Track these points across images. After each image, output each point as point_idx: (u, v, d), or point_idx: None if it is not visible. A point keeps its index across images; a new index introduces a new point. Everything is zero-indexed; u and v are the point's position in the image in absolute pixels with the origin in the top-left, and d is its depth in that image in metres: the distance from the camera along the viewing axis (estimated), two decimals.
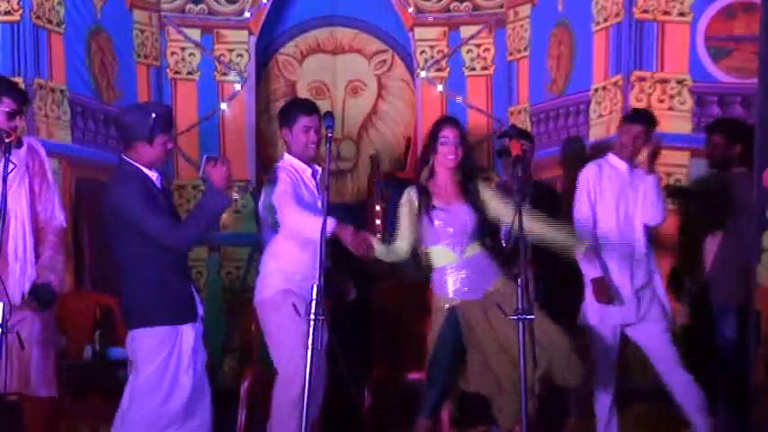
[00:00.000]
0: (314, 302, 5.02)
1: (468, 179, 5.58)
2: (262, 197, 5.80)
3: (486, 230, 5.64)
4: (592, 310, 6.12)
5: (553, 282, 6.69)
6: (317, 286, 5.03)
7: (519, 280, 4.87)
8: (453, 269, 5.56)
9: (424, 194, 5.60)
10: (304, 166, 5.77)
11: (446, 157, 5.55)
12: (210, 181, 5.09)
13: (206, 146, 8.20)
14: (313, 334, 5.01)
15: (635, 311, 6.05)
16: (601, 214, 6.14)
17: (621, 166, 6.16)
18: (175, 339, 5.06)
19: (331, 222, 5.30)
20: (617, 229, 6.09)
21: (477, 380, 5.49)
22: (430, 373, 5.57)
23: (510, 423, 5.45)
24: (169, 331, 5.04)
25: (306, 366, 5.15)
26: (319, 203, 5.68)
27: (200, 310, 5.20)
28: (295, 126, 5.76)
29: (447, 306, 5.55)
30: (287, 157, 5.82)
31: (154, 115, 5.03)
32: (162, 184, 5.19)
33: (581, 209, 6.17)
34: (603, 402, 6.10)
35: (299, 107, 5.91)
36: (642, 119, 6.19)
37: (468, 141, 5.75)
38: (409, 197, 5.66)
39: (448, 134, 5.57)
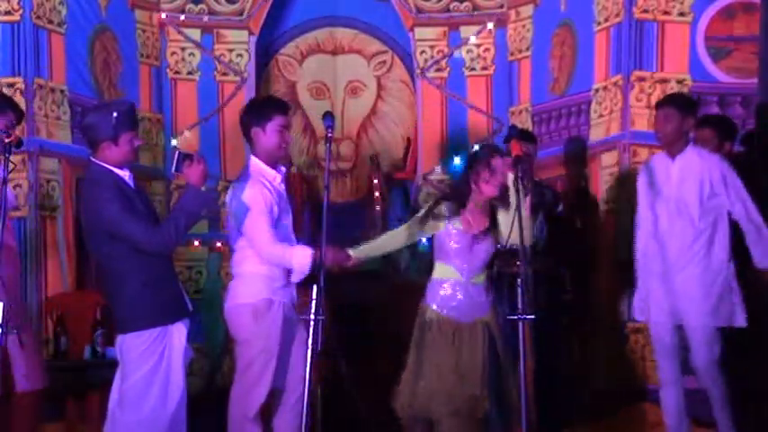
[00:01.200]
0: (314, 302, 5.02)
1: (495, 208, 5.55)
2: (229, 196, 5.53)
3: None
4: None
5: (555, 281, 6.71)
6: (317, 287, 5.02)
7: (519, 280, 4.88)
8: (452, 286, 5.55)
9: (455, 215, 5.52)
10: (273, 172, 5.49)
11: (493, 186, 5.47)
12: (188, 180, 5.03)
13: (206, 146, 8.21)
14: (313, 334, 5.01)
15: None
16: None
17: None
18: (165, 340, 4.98)
19: (308, 255, 5.27)
20: None
21: (424, 401, 5.45)
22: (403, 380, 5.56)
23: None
24: (159, 333, 4.97)
25: (267, 386, 5.25)
26: (289, 209, 5.59)
27: (189, 305, 5.14)
28: (269, 124, 5.48)
29: (432, 318, 5.53)
30: (255, 161, 5.51)
31: (115, 114, 4.94)
32: (135, 182, 5.08)
33: None
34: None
35: (275, 105, 5.65)
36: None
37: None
38: (440, 210, 5.57)
39: (499, 164, 5.47)
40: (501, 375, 5.45)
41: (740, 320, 5.84)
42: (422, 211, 5.66)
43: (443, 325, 5.49)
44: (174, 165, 5.07)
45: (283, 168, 5.63)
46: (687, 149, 5.90)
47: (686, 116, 5.90)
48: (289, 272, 5.48)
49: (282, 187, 5.55)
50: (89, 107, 5.06)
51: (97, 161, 5.00)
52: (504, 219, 5.47)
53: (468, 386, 5.39)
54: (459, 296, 5.52)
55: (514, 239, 5.14)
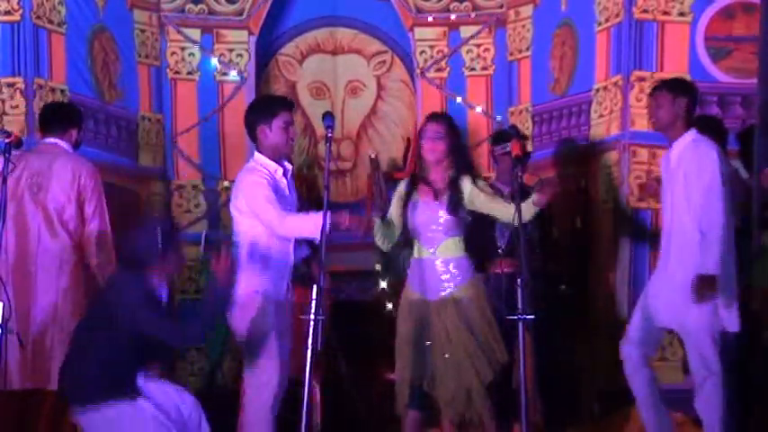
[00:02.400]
0: (314, 302, 5.02)
1: (456, 176, 5.58)
2: (234, 191, 5.64)
3: (467, 229, 5.64)
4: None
5: (557, 280, 6.73)
6: (317, 287, 5.03)
7: (519, 279, 4.88)
8: (422, 264, 5.61)
9: (410, 188, 5.68)
10: (275, 165, 5.60)
11: (426, 150, 5.60)
12: (216, 276, 5.10)
13: (206, 146, 8.21)
14: (313, 333, 5.01)
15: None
16: None
17: None
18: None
19: (319, 216, 5.28)
20: None
21: (418, 373, 5.53)
22: (396, 368, 5.60)
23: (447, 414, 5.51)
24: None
25: (279, 369, 5.29)
26: (294, 202, 5.68)
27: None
28: (275, 121, 5.57)
29: (409, 299, 5.62)
30: (258, 156, 5.62)
31: (160, 241, 4.99)
32: (168, 299, 5.22)
33: None
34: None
35: (279, 102, 5.75)
36: None
37: (459, 138, 5.73)
38: (399, 189, 5.77)
39: (429, 128, 5.62)
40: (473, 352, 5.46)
41: (733, 325, 5.66)
42: (393, 202, 5.77)
43: (413, 305, 5.57)
44: (203, 246, 5.13)
45: (289, 165, 5.71)
46: (685, 135, 5.69)
47: (677, 97, 5.68)
48: (285, 269, 5.55)
49: (284, 181, 5.64)
50: (133, 232, 5.09)
51: (136, 275, 5.00)
52: (492, 205, 5.53)
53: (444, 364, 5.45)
54: (428, 272, 5.58)
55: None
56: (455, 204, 5.54)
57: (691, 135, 5.69)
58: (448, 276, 5.56)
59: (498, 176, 6.88)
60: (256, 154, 5.66)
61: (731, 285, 5.62)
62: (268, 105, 5.73)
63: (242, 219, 5.57)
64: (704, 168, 5.55)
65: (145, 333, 4.95)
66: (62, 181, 5.95)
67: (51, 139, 6.09)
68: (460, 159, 5.65)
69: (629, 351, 5.80)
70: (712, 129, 6.28)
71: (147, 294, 5.01)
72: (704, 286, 5.49)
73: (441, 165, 5.60)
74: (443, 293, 5.55)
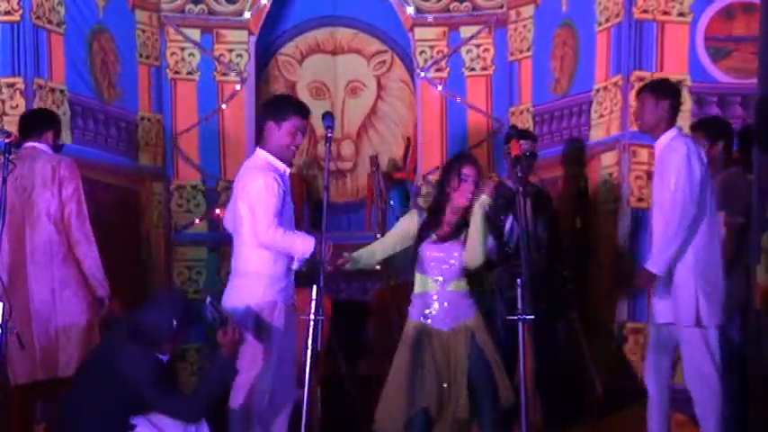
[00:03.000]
0: (314, 303, 5.02)
1: (468, 215, 5.57)
2: (240, 184, 5.59)
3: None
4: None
5: (559, 280, 6.72)
6: (317, 287, 5.03)
7: (519, 280, 4.88)
8: (429, 298, 5.60)
9: (427, 226, 5.62)
10: (283, 165, 5.57)
11: (463, 195, 5.55)
12: (222, 348, 5.10)
13: (206, 146, 8.21)
14: (313, 334, 5.01)
15: None
16: None
17: None
18: None
19: (310, 240, 5.35)
20: None
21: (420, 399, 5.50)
22: (388, 392, 5.57)
23: None
24: None
25: (268, 386, 5.32)
26: (291, 206, 5.66)
27: None
28: (285, 124, 5.53)
29: (413, 329, 5.58)
30: (263, 153, 5.58)
31: (176, 323, 4.97)
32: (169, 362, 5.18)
33: None
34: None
35: (296, 107, 5.69)
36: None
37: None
38: (412, 220, 5.71)
39: (468, 172, 5.56)
40: (491, 379, 5.48)
41: (706, 321, 5.66)
42: (398, 225, 5.79)
43: (423, 335, 5.54)
44: (209, 320, 5.15)
45: (288, 169, 5.68)
46: (663, 136, 5.73)
47: (660, 99, 5.72)
48: (288, 271, 5.52)
49: (288, 183, 5.62)
50: (149, 310, 5.10)
51: (145, 350, 4.99)
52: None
53: (452, 392, 5.46)
54: (436, 306, 5.59)
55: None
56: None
57: (670, 134, 5.74)
58: (461, 309, 5.57)
59: (509, 175, 6.89)
60: (260, 150, 5.62)
61: (714, 279, 5.65)
62: (284, 106, 5.69)
63: (249, 216, 5.52)
64: (672, 164, 5.60)
65: (149, 408, 4.94)
66: (44, 179, 6.09)
67: (30, 143, 6.20)
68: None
69: (648, 356, 5.91)
70: (719, 130, 6.31)
71: (154, 368, 4.97)
72: (642, 280, 5.65)
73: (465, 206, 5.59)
74: (458, 323, 5.55)
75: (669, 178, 5.60)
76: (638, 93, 5.93)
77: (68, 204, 6.11)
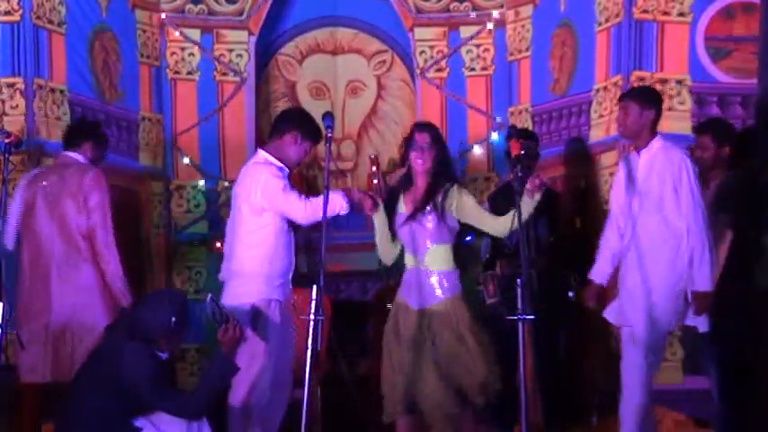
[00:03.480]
0: (314, 303, 5.02)
1: (439, 185, 5.56)
2: (244, 183, 5.66)
3: (457, 237, 5.61)
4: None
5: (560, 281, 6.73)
6: (317, 287, 5.03)
7: (519, 280, 4.88)
8: (411, 273, 5.55)
9: (393, 200, 5.63)
10: (280, 163, 5.67)
11: (414, 161, 5.56)
12: (221, 346, 5.10)
13: (206, 146, 8.21)
14: (313, 334, 5.01)
15: None
16: None
17: None
18: None
19: (340, 195, 5.42)
20: None
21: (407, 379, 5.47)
22: (383, 373, 5.55)
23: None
24: None
25: (267, 384, 5.35)
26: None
27: None
28: (301, 143, 5.68)
29: (397, 305, 5.57)
30: (266, 155, 5.66)
31: (174, 320, 4.98)
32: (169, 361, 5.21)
33: None
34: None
35: (316, 133, 5.75)
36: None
37: (445, 147, 5.66)
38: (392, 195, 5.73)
39: (416, 138, 5.57)
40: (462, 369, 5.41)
41: (702, 324, 5.71)
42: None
43: (400, 311, 5.52)
44: (209, 317, 5.16)
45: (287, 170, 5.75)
46: (652, 143, 5.72)
47: (645, 108, 5.70)
48: (284, 270, 5.52)
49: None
50: (141, 303, 5.17)
51: (146, 346, 5.00)
52: (480, 216, 5.52)
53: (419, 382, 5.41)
54: (413, 281, 5.52)
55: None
56: (441, 211, 5.49)
57: (659, 142, 5.74)
58: (436, 288, 5.51)
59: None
60: (262, 151, 5.67)
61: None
62: (314, 127, 5.75)
63: (253, 218, 5.56)
64: (681, 176, 5.61)
65: (148, 407, 4.94)
66: (71, 188, 6.13)
67: (67, 153, 6.30)
68: (446, 168, 5.61)
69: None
70: (724, 131, 6.29)
71: (154, 367, 4.97)
72: (701, 303, 5.58)
73: (427, 174, 5.57)
74: (430, 304, 5.51)
75: (680, 190, 5.59)
76: (621, 99, 5.90)
77: (93, 215, 6.14)
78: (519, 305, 4.85)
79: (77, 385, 5.07)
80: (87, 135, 6.36)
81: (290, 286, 5.69)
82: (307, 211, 5.49)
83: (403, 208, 5.57)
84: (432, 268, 5.48)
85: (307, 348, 5.02)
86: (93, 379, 5.00)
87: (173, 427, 4.97)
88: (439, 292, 5.46)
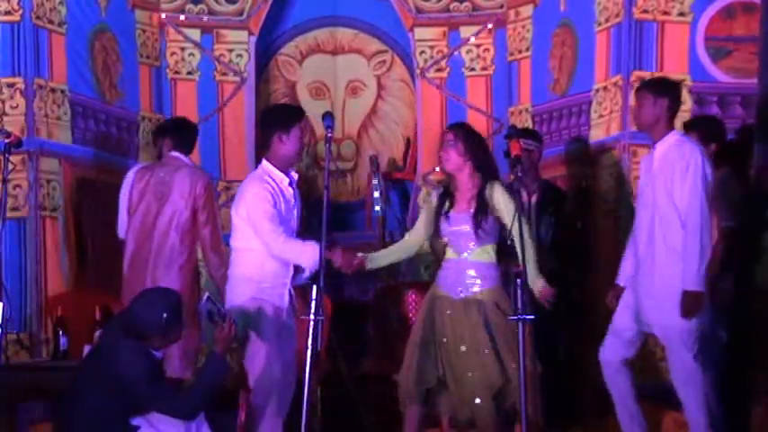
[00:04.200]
0: (313, 303, 5.02)
1: (484, 184, 5.58)
2: (237, 197, 5.69)
3: (499, 235, 5.62)
4: None
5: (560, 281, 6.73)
6: (317, 287, 5.03)
7: (518, 280, 4.88)
8: (451, 264, 5.63)
9: (444, 198, 5.68)
10: (281, 175, 5.62)
11: (440, 160, 5.64)
12: (215, 344, 5.11)
13: (206, 146, 8.21)
14: (313, 334, 5.01)
15: None
16: None
17: None
18: None
19: (316, 248, 5.29)
20: None
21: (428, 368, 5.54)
22: (406, 357, 5.60)
23: (448, 412, 5.61)
24: None
25: (279, 375, 5.33)
26: (295, 212, 5.70)
27: None
28: (292, 132, 5.61)
29: (434, 295, 5.65)
30: (266, 165, 5.64)
31: (165, 315, 4.97)
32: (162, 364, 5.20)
33: None
34: None
35: (297, 114, 5.78)
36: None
37: (478, 144, 5.65)
38: (430, 197, 5.84)
39: (443, 138, 5.65)
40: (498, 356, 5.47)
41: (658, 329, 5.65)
42: (419, 219, 5.83)
43: (438, 302, 5.59)
44: (206, 315, 5.16)
45: (295, 175, 5.74)
46: (668, 136, 5.63)
47: (659, 97, 5.62)
48: (279, 274, 5.54)
49: (290, 191, 5.66)
50: (140, 302, 5.15)
51: (140, 345, 5.01)
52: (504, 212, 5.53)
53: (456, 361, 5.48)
54: (452, 273, 5.62)
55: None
56: (480, 214, 5.54)
57: (674, 136, 5.65)
58: (475, 279, 5.58)
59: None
60: (264, 162, 5.66)
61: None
62: (287, 115, 5.76)
63: (243, 225, 5.59)
64: (688, 170, 5.50)
65: (145, 406, 4.95)
66: (181, 191, 6.47)
67: (175, 153, 6.67)
68: (483, 165, 5.61)
69: (614, 352, 5.80)
70: (711, 129, 6.28)
71: (148, 366, 4.96)
72: (691, 303, 5.48)
73: (462, 173, 5.59)
74: (468, 294, 5.56)
75: (685, 181, 5.50)
76: (637, 91, 5.87)
77: (204, 228, 6.52)
78: (519, 305, 4.85)
79: (75, 384, 5.07)
80: (194, 138, 6.88)
81: (288, 291, 5.65)
82: (277, 248, 5.47)
83: (449, 208, 5.64)
84: (474, 260, 5.58)
85: (307, 348, 5.03)
86: (90, 377, 5.00)
87: (171, 427, 4.98)
88: (480, 282, 5.57)
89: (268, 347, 5.47)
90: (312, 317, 5.02)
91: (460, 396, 5.50)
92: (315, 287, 5.03)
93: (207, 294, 5.21)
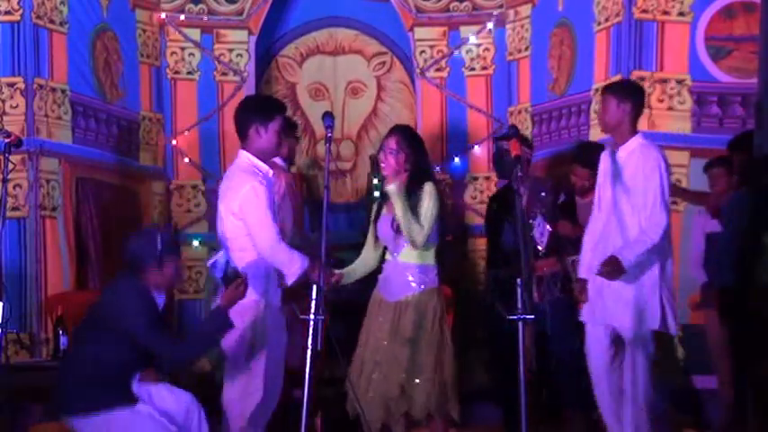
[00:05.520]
0: (314, 302, 5.01)
1: (411, 185, 5.58)
2: (224, 192, 5.54)
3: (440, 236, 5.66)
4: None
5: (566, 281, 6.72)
6: (317, 286, 5.02)
7: (518, 280, 4.87)
8: (387, 266, 5.70)
9: (381, 203, 5.76)
10: (266, 167, 5.51)
11: (386, 164, 5.63)
12: (223, 299, 5.12)
13: (206, 146, 8.21)
14: (313, 334, 5.00)
15: None
16: None
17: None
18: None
19: (304, 261, 5.32)
20: None
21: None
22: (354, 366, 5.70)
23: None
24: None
25: (263, 379, 5.31)
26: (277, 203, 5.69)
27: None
28: (272, 124, 5.46)
29: (372, 299, 5.72)
30: (248, 157, 5.48)
31: (159, 241, 5.04)
32: (164, 308, 5.22)
33: None
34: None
35: (279, 106, 5.67)
36: None
37: (416, 148, 5.67)
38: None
39: (385, 143, 5.66)
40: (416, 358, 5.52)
41: (672, 328, 5.60)
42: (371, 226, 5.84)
43: (372, 303, 5.69)
44: (222, 275, 5.24)
45: (271, 171, 5.64)
46: (631, 141, 5.63)
47: (621, 101, 5.60)
48: (271, 272, 5.52)
49: (272, 183, 5.60)
50: (133, 235, 5.24)
51: (140, 284, 5.07)
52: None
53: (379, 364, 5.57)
54: (386, 275, 5.68)
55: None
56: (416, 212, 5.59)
57: (638, 140, 5.65)
58: (406, 281, 5.61)
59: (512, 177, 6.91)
60: (243, 153, 5.50)
61: (671, 287, 5.62)
62: (266, 107, 5.63)
63: (236, 221, 5.47)
64: (653, 173, 5.51)
65: (137, 341, 4.97)
66: (281, 193, 6.45)
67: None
68: (417, 170, 5.63)
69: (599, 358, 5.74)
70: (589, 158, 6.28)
71: (143, 300, 5.01)
72: (613, 269, 5.45)
73: (398, 177, 5.60)
74: (399, 297, 5.59)
75: (646, 186, 5.52)
76: (602, 93, 5.83)
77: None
78: (519, 305, 4.84)
79: (77, 333, 5.17)
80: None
81: (280, 289, 5.61)
82: (268, 249, 5.38)
83: (385, 210, 5.70)
84: (405, 261, 5.62)
85: (307, 348, 5.02)
86: (92, 322, 5.08)
87: (171, 404, 5.02)
88: (412, 284, 5.59)
89: (259, 348, 5.43)
90: (312, 317, 5.01)
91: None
92: (315, 287, 5.02)
93: (221, 252, 5.21)
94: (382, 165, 5.63)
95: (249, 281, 5.33)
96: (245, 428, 5.41)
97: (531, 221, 6.60)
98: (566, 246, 6.57)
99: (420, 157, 5.69)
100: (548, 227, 6.63)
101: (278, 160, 6.43)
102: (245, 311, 5.40)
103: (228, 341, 5.38)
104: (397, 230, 5.58)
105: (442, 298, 5.66)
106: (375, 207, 5.81)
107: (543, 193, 6.68)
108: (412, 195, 5.55)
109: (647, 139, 5.73)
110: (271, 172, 5.55)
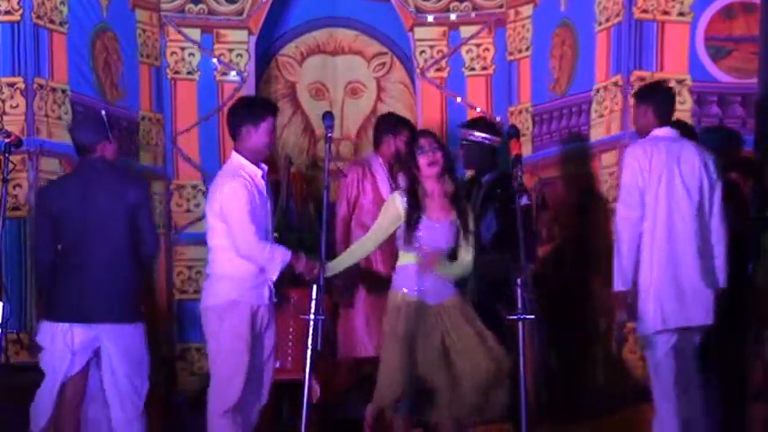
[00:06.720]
0: (314, 302, 5.02)
1: (457, 190, 5.61)
2: (211, 192, 5.66)
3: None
4: None
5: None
6: (317, 286, 5.03)
7: (518, 280, 4.88)
8: (417, 271, 5.65)
9: (414, 205, 5.66)
10: (254, 168, 5.57)
11: (426, 164, 5.63)
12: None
13: (206, 146, 8.21)
14: (312, 334, 5.01)
15: None
16: None
17: None
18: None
19: (286, 256, 5.38)
20: None
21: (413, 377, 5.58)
22: (385, 368, 5.62)
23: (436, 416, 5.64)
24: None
25: (241, 381, 5.35)
26: (268, 205, 5.67)
27: None
28: (263, 125, 5.54)
29: (404, 302, 5.63)
30: (238, 159, 5.57)
31: (104, 112, 5.53)
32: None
33: None
34: None
35: (269, 107, 5.72)
36: None
37: (449, 152, 5.76)
38: (395, 204, 5.73)
39: (424, 142, 5.67)
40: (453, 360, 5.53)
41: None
42: (380, 218, 5.81)
43: (416, 307, 5.60)
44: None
45: (265, 167, 5.68)
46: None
47: (643, 105, 5.89)
48: (257, 273, 5.52)
49: (262, 183, 5.61)
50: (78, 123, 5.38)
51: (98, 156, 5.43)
52: None
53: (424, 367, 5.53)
54: (425, 281, 5.62)
55: None
56: (465, 220, 5.59)
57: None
58: (446, 285, 5.64)
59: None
60: (234, 154, 5.60)
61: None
62: (258, 108, 5.69)
63: (217, 223, 5.53)
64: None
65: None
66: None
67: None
68: (455, 173, 5.69)
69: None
70: (748, 168, 6.32)
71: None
72: (614, 303, 5.78)
73: (441, 178, 5.60)
74: (443, 299, 5.57)
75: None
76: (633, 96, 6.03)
77: None
78: (519, 305, 4.85)
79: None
80: None
81: (268, 289, 5.62)
82: (245, 249, 5.44)
83: (421, 215, 5.65)
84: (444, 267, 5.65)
85: (307, 348, 5.03)
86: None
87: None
88: (452, 288, 5.65)
89: (233, 357, 5.44)
90: (312, 317, 5.01)
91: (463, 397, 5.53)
92: (315, 287, 5.03)
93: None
94: (427, 164, 5.61)
95: (227, 281, 5.40)
96: (219, 422, 5.45)
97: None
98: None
99: (453, 161, 5.83)
100: (495, 225, 6.65)
101: None
102: (223, 312, 5.43)
103: (209, 341, 5.53)
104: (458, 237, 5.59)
105: None
106: (396, 207, 5.71)
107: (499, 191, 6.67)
108: (461, 200, 5.66)
109: (650, 139, 5.83)
110: (260, 173, 5.58)
